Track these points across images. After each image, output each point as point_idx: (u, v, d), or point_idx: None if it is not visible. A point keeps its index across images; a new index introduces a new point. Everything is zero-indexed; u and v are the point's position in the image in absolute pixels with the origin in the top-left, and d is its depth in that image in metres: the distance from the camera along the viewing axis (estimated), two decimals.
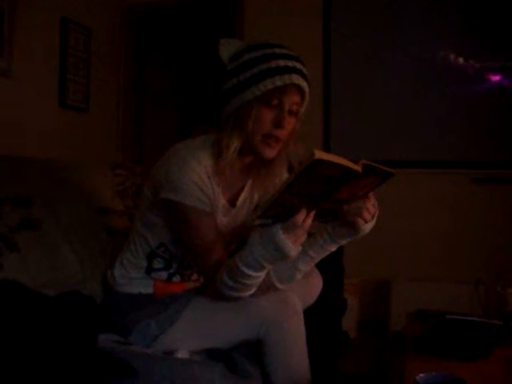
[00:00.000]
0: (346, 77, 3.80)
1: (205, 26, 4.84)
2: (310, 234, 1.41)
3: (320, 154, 1.10)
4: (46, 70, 3.65)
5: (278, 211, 1.27)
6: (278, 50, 1.49)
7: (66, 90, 3.79)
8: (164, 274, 1.68)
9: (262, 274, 1.40)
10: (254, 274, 1.37)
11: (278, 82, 1.45)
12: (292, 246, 1.31)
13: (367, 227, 1.44)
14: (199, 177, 1.50)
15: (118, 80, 4.39)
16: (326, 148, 3.76)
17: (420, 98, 3.63)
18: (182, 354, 1.51)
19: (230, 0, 4.18)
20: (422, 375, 1.16)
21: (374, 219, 1.45)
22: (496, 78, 3.50)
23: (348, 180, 1.23)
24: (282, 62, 1.46)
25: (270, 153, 1.53)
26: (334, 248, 1.54)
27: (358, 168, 1.20)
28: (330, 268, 2.01)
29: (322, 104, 3.83)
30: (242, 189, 1.68)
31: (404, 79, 3.66)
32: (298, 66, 1.49)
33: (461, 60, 3.55)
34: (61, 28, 3.74)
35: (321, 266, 1.72)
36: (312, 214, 1.31)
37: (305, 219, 1.29)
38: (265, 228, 1.31)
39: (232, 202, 1.65)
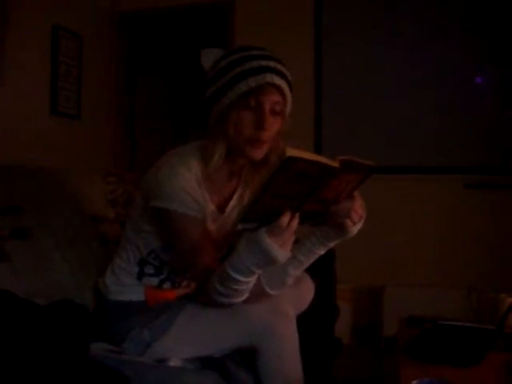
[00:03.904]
0: (338, 82, 3.82)
1: (196, 34, 4.85)
2: (297, 240, 1.40)
3: (291, 152, 1.09)
4: (38, 77, 3.65)
5: (262, 214, 1.25)
6: (253, 52, 1.49)
7: (58, 97, 3.78)
8: (155, 280, 1.67)
9: (252, 279, 1.39)
10: (243, 279, 1.36)
11: (252, 83, 1.44)
12: (279, 249, 1.29)
13: (355, 229, 1.44)
14: (189, 184, 1.50)
15: (109, 87, 4.39)
16: (318, 153, 3.76)
17: (412, 103, 3.64)
18: (174, 362, 1.51)
19: (221, 8, 4.20)
20: (415, 381, 1.16)
21: (362, 221, 1.44)
22: (489, 84, 3.52)
23: (327, 177, 1.21)
24: (255, 63, 1.46)
25: (256, 154, 1.52)
26: (322, 251, 1.53)
27: (334, 164, 1.18)
28: (322, 274, 2.01)
29: (313, 109, 3.85)
30: (232, 195, 1.68)
31: (396, 85, 3.68)
32: (273, 64, 1.47)
33: (452, 66, 3.57)
34: (52, 35, 3.74)
35: (313, 272, 1.72)
36: (297, 215, 1.29)
37: (290, 221, 1.27)
38: (251, 232, 1.30)
39: (221, 209, 1.65)
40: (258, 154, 1.52)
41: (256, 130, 1.48)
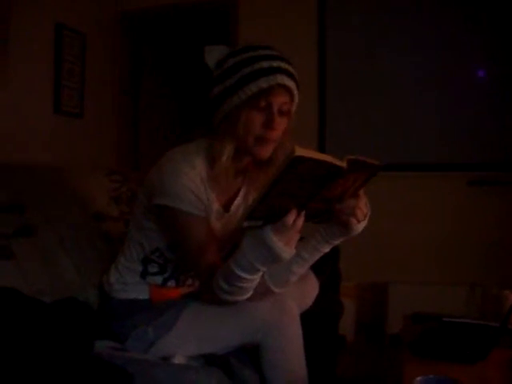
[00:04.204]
0: (341, 79, 3.81)
1: (200, 32, 4.84)
2: (301, 237, 1.40)
3: (300, 151, 1.09)
4: (41, 75, 3.65)
5: (268, 212, 1.25)
6: (261, 52, 1.49)
7: (61, 96, 3.79)
8: (159, 279, 1.67)
9: (256, 277, 1.39)
10: (248, 276, 1.36)
11: (263, 83, 1.45)
12: (284, 247, 1.29)
13: (360, 227, 1.43)
14: (193, 182, 1.50)
15: (113, 85, 4.39)
16: (321, 150, 3.77)
17: (415, 101, 3.64)
18: (178, 360, 1.51)
19: (224, 5, 4.20)
20: (419, 378, 1.16)
21: (367, 219, 1.44)
22: (492, 80, 3.51)
23: (334, 176, 1.21)
24: (265, 64, 1.46)
25: (263, 153, 1.53)
26: (327, 249, 1.53)
27: (342, 164, 1.18)
28: (327, 271, 2.01)
29: (317, 107, 3.84)
30: (237, 194, 1.68)
31: (399, 83, 3.67)
32: (283, 65, 1.48)
33: (455, 64, 3.56)
34: (55, 34, 3.74)
35: (317, 269, 1.72)
36: (303, 214, 1.29)
37: (296, 220, 1.27)
38: (256, 230, 1.30)
39: (226, 207, 1.65)
40: (266, 152, 1.53)
41: (265, 130, 1.49)
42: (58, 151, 3.67)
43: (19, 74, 3.41)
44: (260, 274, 1.40)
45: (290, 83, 1.49)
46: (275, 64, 1.47)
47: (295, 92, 1.52)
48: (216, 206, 1.61)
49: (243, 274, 1.35)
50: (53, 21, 3.72)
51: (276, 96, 1.48)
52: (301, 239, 1.39)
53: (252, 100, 1.47)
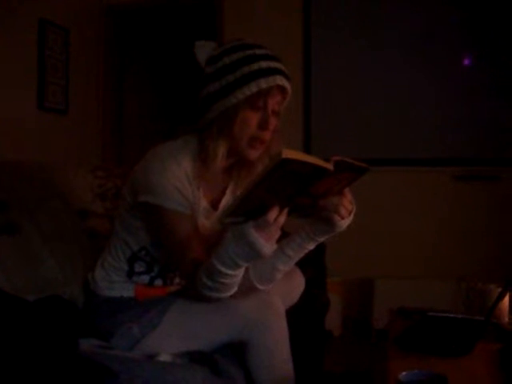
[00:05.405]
0: (327, 75, 3.81)
1: (185, 27, 4.83)
2: (287, 234, 1.39)
3: (287, 154, 1.09)
4: (24, 71, 3.62)
5: (250, 209, 1.25)
6: (258, 51, 1.49)
7: (45, 92, 3.75)
8: (146, 278, 1.66)
9: (238, 273, 1.39)
10: (230, 272, 1.36)
11: (263, 84, 1.45)
12: (265, 243, 1.29)
13: (344, 223, 1.44)
14: (179, 180, 1.49)
15: (97, 81, 4.36)
16: (306, 147, 3.77)
17: (401, 96, 3.65)
18: (164, 358, 1.50)
19: (210, 0, 4.18)
20: (404, 373, 1.16)
21: (351, 216, 1.45)
22: (478, 77, 3.53)
23: (320, 176, 1.22)
24: (264, 64, 1.46)
25: (254, 154, 1.53)
26: (312, 246, 1.53)
27: (328, 166, 1.19)
28: (313, 267, 2.01)
29: (302, 102, 3.85)
30: (225, 191, 1.67)
31: (385, 79, 3.68)
32: (279, 66, 1.49)
33: (440, 61, 3.57)
34: (38, 29, 3.71)
35: (303, 265, 1.72)
36: (285, 211, 1.29)
37: (278, 216, 1.27)
38: (237, 226, 1.30)
39: (214, 205, 1.64)
40: (256, 154, 1.54)
41: (259, 130, 1.49)
42: (43, 147, 3.64)
43: (2, 69, 3.37)
44: (242, 269, 1.39)
45: (286, 84, 1.49)
46: (273, 65, 1.47)
47: (289, 92, 1.52)
48: (204, 204, 1.59)
49: (224, 270, 1.35)
50: (36, 16, 3.69)
51: (273, 97, 1.48)
52: (286, 235, 1.38)
53: (250, 100, 1.46)
